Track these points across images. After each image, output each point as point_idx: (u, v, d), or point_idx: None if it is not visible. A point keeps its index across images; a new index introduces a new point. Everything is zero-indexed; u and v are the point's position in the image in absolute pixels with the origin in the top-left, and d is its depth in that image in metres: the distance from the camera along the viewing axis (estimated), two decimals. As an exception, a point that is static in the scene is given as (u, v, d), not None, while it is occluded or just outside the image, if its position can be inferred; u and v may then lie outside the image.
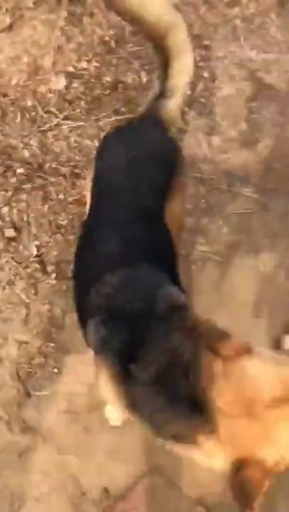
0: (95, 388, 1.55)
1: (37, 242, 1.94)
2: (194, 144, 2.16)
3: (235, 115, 2.31)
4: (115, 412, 1.45)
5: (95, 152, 1.44)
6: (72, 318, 1.60)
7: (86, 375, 1.58)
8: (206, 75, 2.45)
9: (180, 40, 1.34)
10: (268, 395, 0.84)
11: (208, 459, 0.88)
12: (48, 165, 2.10)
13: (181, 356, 0.89)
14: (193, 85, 2.37)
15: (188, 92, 2.33)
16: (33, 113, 2.22)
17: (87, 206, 1.34)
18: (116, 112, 2.25)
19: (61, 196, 2.04)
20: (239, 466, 0.82)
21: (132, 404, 0.94)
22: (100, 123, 2.22)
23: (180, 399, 0.87)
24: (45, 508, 1.38)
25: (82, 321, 1.10)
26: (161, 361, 0.90)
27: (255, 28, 2.64)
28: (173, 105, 1.40)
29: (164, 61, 1.35)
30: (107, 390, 1.00)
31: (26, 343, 1.70)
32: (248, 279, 1.84)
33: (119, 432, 1.48)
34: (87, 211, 1.34)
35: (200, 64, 2.46)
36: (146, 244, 1.12)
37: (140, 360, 0.92)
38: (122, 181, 1.24)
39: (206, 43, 2.56)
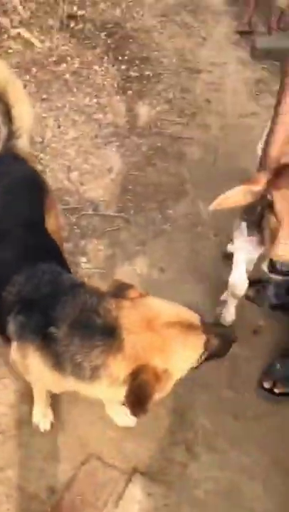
0: (16, 406, 1.70)
1: None
2: (57, 182, 2.44)
3: (85, 152, 2.64)
4: (43, 415, 1.62)
5: None
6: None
7: (3, 396, 1.71)
8: (51, 123, 2.77)
9: (16, 91, 1.65)
10: (165, 317, 1.12)
11: (112, 387, 1.12)
12: None
13: (90, 305, 1.13)
14: (43, 134, 2.67)
15: (40, 140, 2.63)
16: None
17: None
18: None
19: None
20: (136, 373, 1.07)
21: (57, 361, 1.13)
22: None
23: (93, 332, 1.10)
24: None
25: (2, 325, 1.27)
26: (74, 313, 1.12)
27: (84, 79, 3.05)
28: (23, 144, 1.68)
29: (6, 110, 1.64)
30: (35, 365, 1.19)
31: None
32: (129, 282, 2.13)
33: (50, 435, 1.63)
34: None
35: (44, 115, 2.79)
36: (39, 249, 1.36)
37: (56, 321, 1.13)
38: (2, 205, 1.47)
39: (44, 96, 2.89)
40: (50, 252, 1.40)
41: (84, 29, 3.41)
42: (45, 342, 1.14)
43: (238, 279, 1.75)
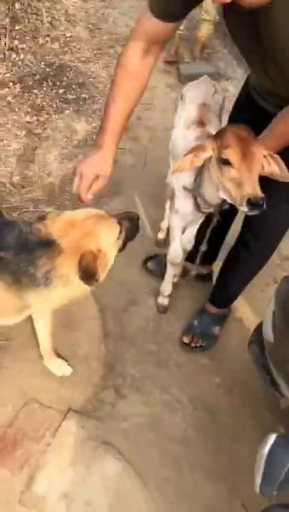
0: None
1: None
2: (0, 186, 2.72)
3: (26, 160, 2.94)
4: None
5: None
6: None
7: None
8: (-6, 138, 3.07)
9: None
10: (81, 216, 1.44)
11: (67, 287, 1.41)
12: None
13: (25, 231, 1.40)
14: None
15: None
16: None
17: None
18: None
19: None
20: (81, 260, 1.37)
21: (14, 278, 1.37)
22: None
23: (34, 247, 1.37)
24: None
25: None
26: (15, 239, 1.38)
27: (25, 100, 3.39)
28: None
29: None
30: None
31: None
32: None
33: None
34: None
35: (-12, 131, 3.08)
36: None
37: (2, 249, 1.40)
38: None
39: (-11, 119, 3.20)
40: None
41: (24, 59, 3.78)
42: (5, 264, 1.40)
43: (175, 251, 2.02)
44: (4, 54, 3.71)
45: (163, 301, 2.23)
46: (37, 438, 1.71)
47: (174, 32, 1.54)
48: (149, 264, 2.41)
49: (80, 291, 1.48)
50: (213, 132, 1.72)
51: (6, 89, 3.44)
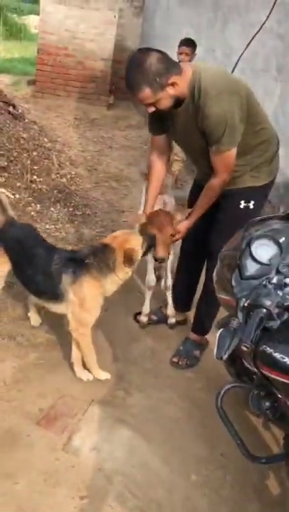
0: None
1: None
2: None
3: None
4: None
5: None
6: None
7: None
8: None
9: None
10: (119, 233, 2.52)
11: (122, 269, 2.42)
12: None
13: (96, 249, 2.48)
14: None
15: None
16: None
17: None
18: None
19: None
20: (124, 252, 2.36)
21: (99, 271, 2.45)
22: None
23: (104, 253, 2.42)
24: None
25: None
26: (92, 253, 2.41)
27: (44, 215, 4.46)
28: None
29: None
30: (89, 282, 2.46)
31: None
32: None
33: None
34: None
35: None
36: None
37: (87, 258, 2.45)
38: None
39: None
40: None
41: (42, 189, 4.96)
42: (88, 266, 2.40)
43: (150, 279, 3.06)
44: (27, 185, 4.89)
45: (143, 318, 3.13)
46: (71, 415, 2.39)
47: (169, 142, 2.68)
48: (138, 317, 3.24)
49: (125, 276, 2.47)
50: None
51: (30, 208, 4.53)
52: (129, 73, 2.25)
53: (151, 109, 2.36)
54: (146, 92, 2.24)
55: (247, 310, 1.49)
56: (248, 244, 1.68)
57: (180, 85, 2.27)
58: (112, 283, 2.47)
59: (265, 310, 1.41)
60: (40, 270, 2.53)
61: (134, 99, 2.33)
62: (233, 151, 2.33)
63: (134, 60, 2.24)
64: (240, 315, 1.66)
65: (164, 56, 2.23)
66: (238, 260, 1.65)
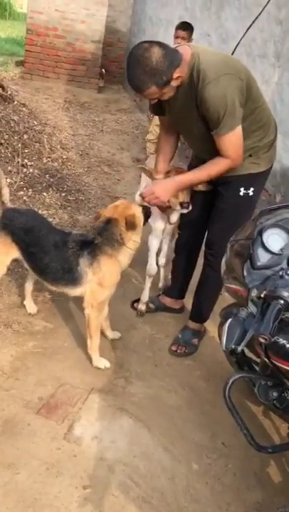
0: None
1: None
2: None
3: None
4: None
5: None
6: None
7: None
8: None
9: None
10: (119, 203, 2.50)
11: (130, 236, 2.44)
12: None
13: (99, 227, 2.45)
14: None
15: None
16: None
17: None
18: None
19: None
20: (126, 219, 2.38)
21: (110, 247, 2.48)
22: None
23: (106, 227, 2.44)
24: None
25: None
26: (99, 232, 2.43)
27: (36, 200, 4.38)
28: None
29: None
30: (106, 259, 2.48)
31: None
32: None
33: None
34: None
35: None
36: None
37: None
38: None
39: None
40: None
41: (33, 173, 4.86)
42: (101, 245, 2.44)
43: (151, 267, 3.05)
44: (18, 168, 4.79)
45: (141, 306, 3.11)
46: (72, 404, 2.37)
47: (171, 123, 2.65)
48: (135, 305, 3.21)
49: (135, 245, 2.52)
50: None
51: (22, 192, 4.44)
52: (132, 72, 2.20)
53: (154, 102, 2.35)
54: (153, 90, 2.23)
55: (263, 301, 1.46)
56: (260, 234, 1.66)
57: (183, 75, 2.25)
58: (124, 255, 2.51)
59: (282, 301, 1.39)
60: (57, 257, 2.50)
61: (139, 95, 2.34)
62: (235, 133, 2.28)
63: (136, 58, 2.17)
64: (251, 305, 1.64)
65: (166, 50, 2.17)
66: (250, 250, 1.63)
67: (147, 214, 2.60)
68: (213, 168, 2.41)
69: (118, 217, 2.45)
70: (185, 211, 2.71)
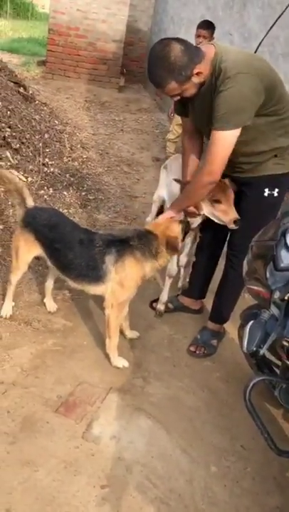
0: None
1: None
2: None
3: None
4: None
5: None
6: None
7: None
8: None
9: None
10: (161, 221, 2.51)
11: (163, 255, 2.46)
12: None
13: (140, 232, 2.48)
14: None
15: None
16: None
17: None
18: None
19: None
20: (167, 239, 2.37)
21: (142, 254, 2.47)
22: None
23: (147, 238, 2.45)
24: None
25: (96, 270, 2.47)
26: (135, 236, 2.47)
27: (57, 199, 4.40)
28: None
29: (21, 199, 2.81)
30: (134, 264, 2.47)
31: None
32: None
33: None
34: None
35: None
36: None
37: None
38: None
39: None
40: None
41: (54, 172, 4.89)
42: (132, 248, 2.43)
43: (172, 268, 3.02)
44: (39, 168, 4.82)
45: (160, 306, 3.09)
46: (90, 403, 2.37)
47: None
48: (154, 304, 3.20)
49: (165, 262, 2.55)
50: None
51: (42, 191, 4.47)
52: (153, 69, 2.21)
53: (177, 98, 2.35)
54: (173, 86, 2.22)
55: (287, 303, 1.44)
56: (284, 235, 1.63)
57: (204, 72, 2.23)
58: (151, 268, 2.51)
59: (307, 304, 1.37)
60: (82, 254, 2.50)
61: (159, 92, 2.32)
62: (230, 135, 2.19)
63: (156, 54, 2.17)
64: (273, 307, 1.61)
65: (186, 46, 2.16)
66: (273, 251, 1.60)
67: (186, 231, 2.60)
68: (190, 188, 2.47)
69: (159, 235, 2.46)
70: (235, 227, 2.56)
